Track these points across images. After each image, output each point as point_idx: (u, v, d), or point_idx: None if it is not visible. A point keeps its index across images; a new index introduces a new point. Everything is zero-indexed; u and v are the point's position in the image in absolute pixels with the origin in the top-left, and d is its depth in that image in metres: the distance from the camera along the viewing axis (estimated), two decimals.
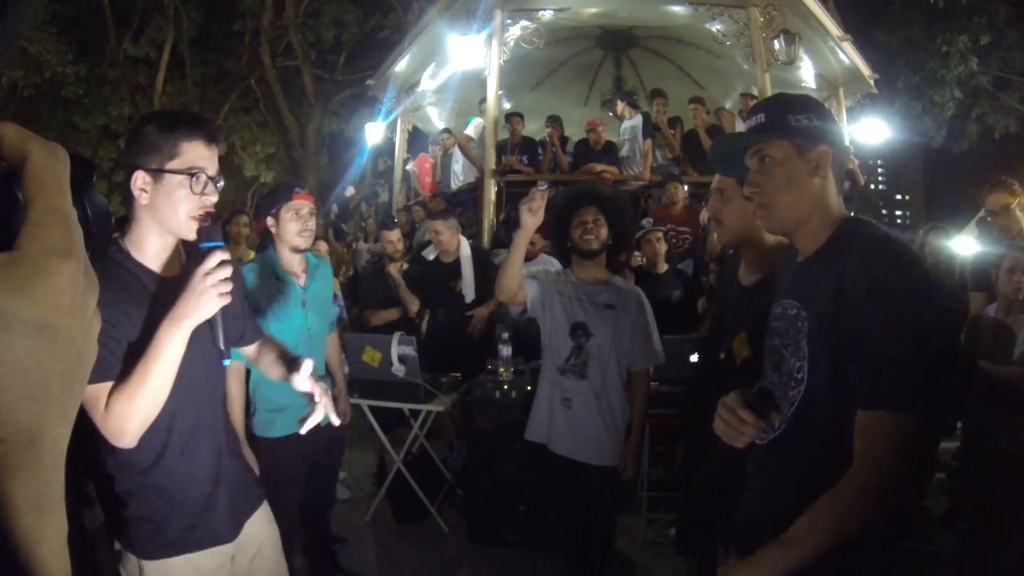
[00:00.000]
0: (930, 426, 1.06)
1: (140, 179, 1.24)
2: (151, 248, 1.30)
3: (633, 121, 6.19)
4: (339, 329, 4.10)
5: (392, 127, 8.94)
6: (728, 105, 7.43)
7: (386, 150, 9.52)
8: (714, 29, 6.59)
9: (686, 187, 5.58)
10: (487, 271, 4.01)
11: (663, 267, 4.06)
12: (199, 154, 1.26)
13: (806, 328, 1.14)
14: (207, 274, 1.18)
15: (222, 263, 1.20)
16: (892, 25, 11.95)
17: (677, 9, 6.57)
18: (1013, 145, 12.89)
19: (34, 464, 0.36)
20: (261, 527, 1.55)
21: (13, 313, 0.34)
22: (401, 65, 8.17)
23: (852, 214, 1.22)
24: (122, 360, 1.21)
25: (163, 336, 1.18)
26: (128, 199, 1.27)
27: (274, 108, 13.53)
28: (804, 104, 1.22)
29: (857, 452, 1.05)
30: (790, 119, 1.17)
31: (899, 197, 65.43)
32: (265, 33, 12.56)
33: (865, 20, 11.73)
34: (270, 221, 2.31)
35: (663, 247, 4.07)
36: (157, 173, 1.24)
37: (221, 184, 1.31)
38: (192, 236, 1.27)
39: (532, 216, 2.19)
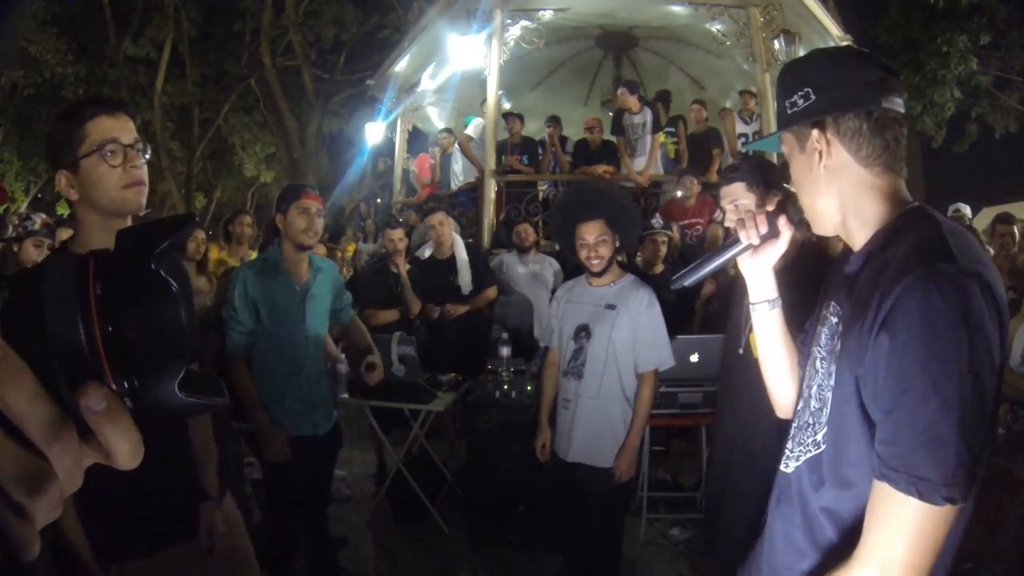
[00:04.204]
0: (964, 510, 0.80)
1: (63, 179, 1.20)
2: (96, 243, 1.20)
3: (644, 116, 6.13)
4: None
5: (392, 127, 8.93)
6: (728, 105, 7.42)
7: (386, 150, 9.51)
8: (714, 29, 6.59)
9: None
10: (479, 266, 4.05)
11: (660, 268, 4.06)
12: (106, 128, 1.20)
13: (839, 347, 0.92)
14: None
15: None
16: (892, 25, 11.94)
17: (677, 9, 6.57)
18: (1013, 145, 12.90)
19: None
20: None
21: None
22: (401, 65, 8.17)
23: (915, 203, 0.95)
24: None
25: None
26: (69, 207, 1.24)
27: (274, 108, 13.53)
28: (799, 76, 0.97)
29: (866, 526, 0.82)
30: (787, 106, 0.98)
31: None
32: (265, 33, 12.55)
33: (865, 20, 11.74)
34: (279, 218, 2.36)
35: (664, 249, 4.07)
36: (73, 165, 1.19)
37: (146, 151, 1.26)
38: (132, 208, 1.23)
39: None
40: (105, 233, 1.23)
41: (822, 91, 0.93)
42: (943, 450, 0.74)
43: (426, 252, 4.18)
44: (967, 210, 5.46)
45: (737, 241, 1.09)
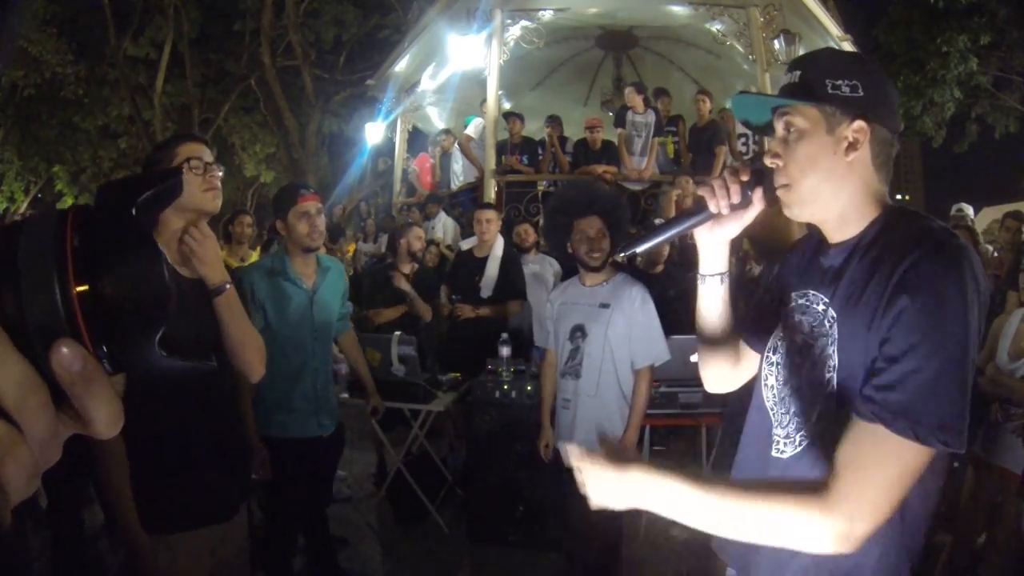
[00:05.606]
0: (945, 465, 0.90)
1: None
2: (172, 240, 1.49)
3: (647, 118, 6.14)
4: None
5: (392, 127, 8.94)
6: (728, 105, 7.43)
7: (386, 150, 9.52)
8: (714, 29, 6.60)
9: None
10: (510, 273, 3.98)
11: (661, 268, 4.05)
12: (191, 149, 1.50)
13: (835, 332, 0.95)
14: None
15: None
16: (892, 25, 11.95)
17: (677, 9, 6.58)
18: (1013, 145, 12.90)
19: None
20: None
21: None
22: (401, 65, 8.18)
23: (896, 204, 1.00)
24: None
25: None
26: None
27: (274, 108, 13.51)
28: (850, 67, 0.97)
29: (842, 466, 0.86)
30: (826, 83, 0.95)
31: (899, 197, 65.63)
32: (265, 33, 12.54)
33: (865, 20, 11.76)
34: (279, 225, 2.35)
35: (665, 250, 4.06)
36: None
37: (220, 170, 1.55)
38: (210, 208, 1.50)
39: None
40: (179, 221, 1.50)
41: (872, 93, 0.96)
42: (943, 399, 0.83)
43: (465, 245, 4.17)
44: (970, 210, 5.47)
45: (702, 210, 1.03)
